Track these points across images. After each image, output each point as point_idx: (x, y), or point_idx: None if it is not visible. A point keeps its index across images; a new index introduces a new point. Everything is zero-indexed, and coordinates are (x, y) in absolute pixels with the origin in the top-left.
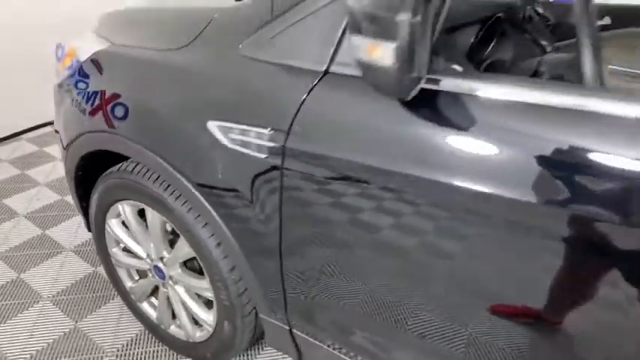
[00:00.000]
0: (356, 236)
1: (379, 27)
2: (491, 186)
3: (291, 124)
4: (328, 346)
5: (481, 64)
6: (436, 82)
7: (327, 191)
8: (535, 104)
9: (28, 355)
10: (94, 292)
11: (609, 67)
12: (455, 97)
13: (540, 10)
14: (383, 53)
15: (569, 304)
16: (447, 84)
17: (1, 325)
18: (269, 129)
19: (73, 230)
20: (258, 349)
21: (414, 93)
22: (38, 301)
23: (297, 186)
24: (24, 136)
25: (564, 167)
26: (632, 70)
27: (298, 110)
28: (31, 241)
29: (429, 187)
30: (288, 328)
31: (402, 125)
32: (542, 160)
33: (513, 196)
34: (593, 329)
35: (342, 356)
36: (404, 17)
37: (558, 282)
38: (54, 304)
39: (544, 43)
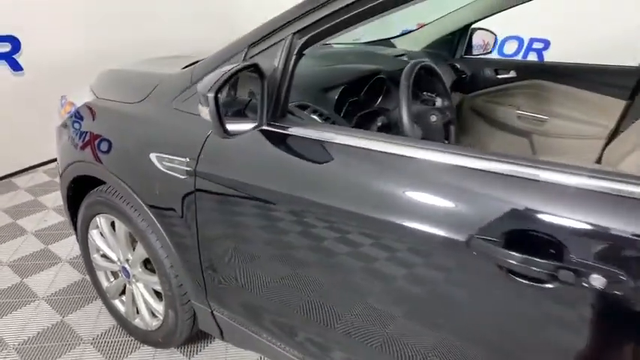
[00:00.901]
0: (248, 234)
1: (204, 99)
2: (314, 194)
3: (199, 154)
4: (242, 325)
5: (355, 114)
6: (284, 128)
7: (224, 201)
8: (349, 144)
9: None
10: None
11: (517, 111)
12: (294, 137)
13: (458, 66)
14: (205, 115)
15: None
16: (293, 129)
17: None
18: (186, 158)
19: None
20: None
21: (233, 135)
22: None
23: (205, 198)
24: (40, 168)
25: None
26: (537, 115)
27: (203, 145)
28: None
29: (277, 194)
30: (210, 310)
31: (261, 154)
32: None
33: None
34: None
35: (255, 335)
36: (210, 94)
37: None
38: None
39: (427, 96)
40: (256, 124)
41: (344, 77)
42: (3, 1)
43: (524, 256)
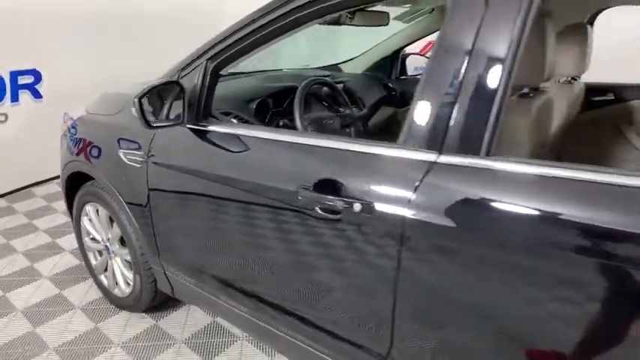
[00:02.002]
0: (185, 205)
1: (133, 103)
2: (224, 170)
3: (149, 147)
4: (187, 282)
5: (273, 119)
6: (207, 125)
7: (166, 180)
8: (242, 135)
9: None
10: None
11: None
12: (218, 133)
13: (391, 85)
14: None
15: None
16: (211, 127)
17: None
18: (141, 151)
19: None
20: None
21: (156, 129)
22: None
23: (153, 180)
24: (55, 180)
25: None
26: None
27: (152, 140)
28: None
29: (200, 173)
30: (163, 271)
31: (188, 144)
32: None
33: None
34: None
35: (198, 290)
36: (135, 100)
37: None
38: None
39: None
40: (178, 122)
41: (263, 93)
42: (28, 41)
43: (321, 194)
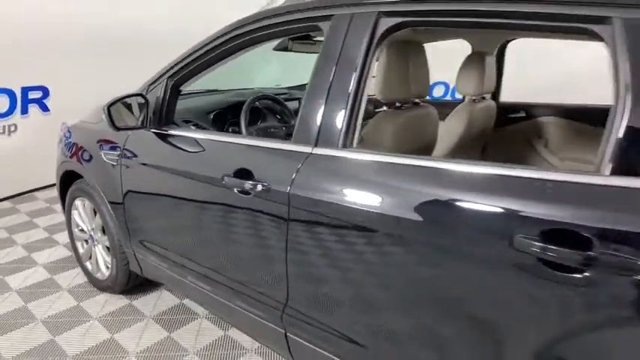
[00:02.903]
0: (149, 196)
1: (103, 111)
2: (181, 165)
3: (123, 148)
4: (152, 262)
5: (228, 127)
6: (173, 130)
7: (135, 176)
8: (194, 137)
9: None
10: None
11: None
12: (174, 135)
13: None
14: (104, 118)
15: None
16: (179, 131)
17: None
18: (117, 151)
19: None
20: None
21: (120, 130)
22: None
23: (125, 175)
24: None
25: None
26: None
27: (125, 142)
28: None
29: (161, 168)
30: (133, 253)
31: (152, 145)
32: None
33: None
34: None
35: (162, 268)
36: (105, 107)
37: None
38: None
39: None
40: (142, 127)
41: (221, 106)
42: (38, 60)
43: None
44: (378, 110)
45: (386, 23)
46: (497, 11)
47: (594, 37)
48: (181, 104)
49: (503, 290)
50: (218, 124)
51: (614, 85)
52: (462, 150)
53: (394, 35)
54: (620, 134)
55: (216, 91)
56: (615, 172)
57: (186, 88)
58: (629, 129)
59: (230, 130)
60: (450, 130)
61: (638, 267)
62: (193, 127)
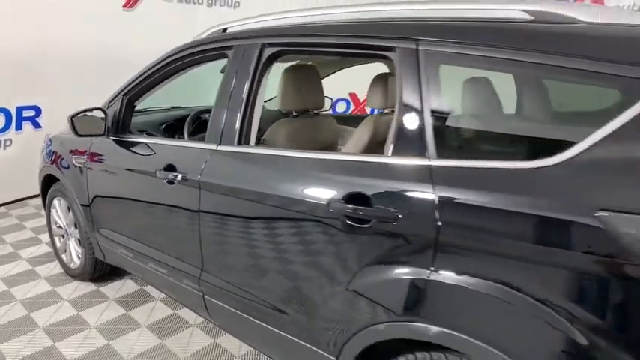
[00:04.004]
0: (109, 191)
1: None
2: (132, 164)
3: (89, 152)
4: (113, 248)
5: (177, 135)
6: (126, 137)
7: (97, 175)
8: (145, 142)
9: None
10: None
11: None
12: (126, 141)
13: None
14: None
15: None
16: (131, 138)
17: None
18: (84, 156)
19: None
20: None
21: (82, 136)
22: None
23: (90, 176)
24: None
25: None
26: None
27: (90, 147)
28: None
29: (117, 168)
30: (97, 241)
31: (111, 149)
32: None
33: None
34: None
35: (121, 254)
36: (68, 118)
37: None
38: None
39: None
40: (101, 134)
41: (171, 119)
42: (32, 82)
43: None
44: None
45: (268, 51)
46: (329, 43)
47: (389, 61)
48: (142, 118)
49: (330, 240)
50: (168, 133)
51: (397, 94)
52: (368, 151)
53: (290, 59)
54: (395, 128)
55: (179, 107)
56: (394, 154)
57: (151, 105)
58: (400, 124)
59: (176, 137)
60: (357, 136)
61: (396, 215)
62: (145, 135)
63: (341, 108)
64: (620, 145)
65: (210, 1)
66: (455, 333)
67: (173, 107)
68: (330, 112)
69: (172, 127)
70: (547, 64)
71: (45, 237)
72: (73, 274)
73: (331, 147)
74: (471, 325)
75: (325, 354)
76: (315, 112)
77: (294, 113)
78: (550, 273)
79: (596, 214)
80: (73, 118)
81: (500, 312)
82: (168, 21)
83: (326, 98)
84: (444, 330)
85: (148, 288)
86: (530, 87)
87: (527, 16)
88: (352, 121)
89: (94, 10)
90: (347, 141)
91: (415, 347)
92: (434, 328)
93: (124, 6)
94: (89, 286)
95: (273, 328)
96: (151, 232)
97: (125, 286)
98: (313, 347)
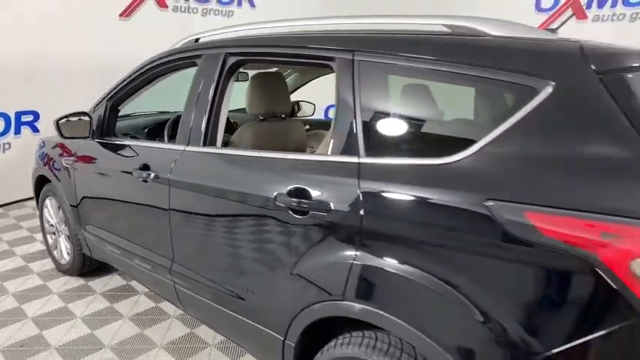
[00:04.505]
0: (93, 189)
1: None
2: (114, 164)
3: (76, 153)
4: (97, 243)
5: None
6: (109, 139)
7: (83, 174)
8: (127, 144)
9: None
10: None
11: None
12: (108, 143)
13: None
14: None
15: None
16: (113, 140)
17: None
18: (72, 157)
19: None
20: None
21: (67, 138)
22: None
23: (77, 175)
24: None
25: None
26: None
27: (78, 149)
28: None
29: (101, 167)
30: (84, 237)
31: (96, 150)
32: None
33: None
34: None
35: (103, 249)
36: (54, 121)
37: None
38: None
39: None
40: (86, 136)
41: (153, 123)
42: (30, 89)
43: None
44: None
45: (231, 60)
46: (281, 53)
47: (332, 69)
48: (128, 122)
49: (278, 230)
50: (151, 136)
51: (335, 100)
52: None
53: (256, 67)
54: (332, 130)
55: (167, 112)
56: (331, 152)
57: (140, 110)
58: (337, 126)
59: (157, 140)
60: (327, 138)
61: (329, 207)
62: (129, 138)
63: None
64: (507, 143)
65: (204, 11)
66: (374, 309)
67: (161, 112)
68: (322, 117)
69: (155, 131)
70: (458, 72)
71: (39, 236)
72: (63, 270)
73: (299, 149)
74: (388, 302)
75: (276, 335)
76: (283, 116)
77: (261, 117)
78: (454, 256)
79: (485, 203)
80: (58, 122)
81: (412, 291)
82: (163, 29)
83: (309, 104)
84: (365, 307)
85: (134, 283)
86: (444, 92)
87: (446, 30)
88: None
89: (91, 19)
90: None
91: (352, 327)
92: (357, 306)
93: (121, 15)
94: (78, 281)
95: (232, 313)
96: (128, 227)
97: (112, 281)
98: (266, 329)
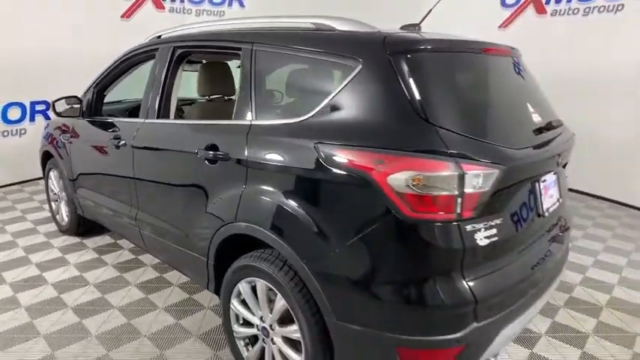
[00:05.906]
0: (83, 157)
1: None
2: (95, 138)
3: (71, 130)
4: (86, 201)
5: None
6: (94, 117)
7: (76, 146)
8: (110, 120)
9: None
10: None
11: None
12: (94, 121)
13: None
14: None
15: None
16: (97, 118)
17: None
18: (68, 134)
19: None
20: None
21: (60, 116)
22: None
23: (72, 146)
24: None
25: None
26: None
27: (73, 124)
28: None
29: (90, 140)
30: (77, 197)
31: (85, 126)
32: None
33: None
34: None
35: (92, 207)
36: (50, 101)
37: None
38: None
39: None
40: (76, 115)
41: (133, 106)
42: (43, 81)
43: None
44: None
45: (178, 52)
46: (210, 45)
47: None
48: (115, 106)
49: (200, 176)
50: (131, 116)
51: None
52: None
53: (202, 57)
54: (236, 101)
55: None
56: (234, 118)
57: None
58: (239, 98)
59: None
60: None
61: (228, 155)
62: (110, 117)
63: None
64: (332, 107)
65: (197, 12)
66: (253, 225)
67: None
68: None
69: (135, 111)
70: (311, 57)
71: (48, 207)
72: (63, 230)
73: None
74: (263, 219)
75: (200, 256)
76: (227, 98)
77: (208, 98)
78: (301, 182)
79: (314, 144)
80: (54, 102)
81: (275, 209)
82: (161, 28)
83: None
84: (248, 224)
85: (121, 242)
86: (307, 73)
87: (312, 26)
88: None
89: (97, 20)
90: None
91: (255, 247)
92: (242, 224)
93: (122, 16)
94: (75, 239)
95: (177, 246)
96: (107, 186)
97: (102, 239)
98: (194, 253)
